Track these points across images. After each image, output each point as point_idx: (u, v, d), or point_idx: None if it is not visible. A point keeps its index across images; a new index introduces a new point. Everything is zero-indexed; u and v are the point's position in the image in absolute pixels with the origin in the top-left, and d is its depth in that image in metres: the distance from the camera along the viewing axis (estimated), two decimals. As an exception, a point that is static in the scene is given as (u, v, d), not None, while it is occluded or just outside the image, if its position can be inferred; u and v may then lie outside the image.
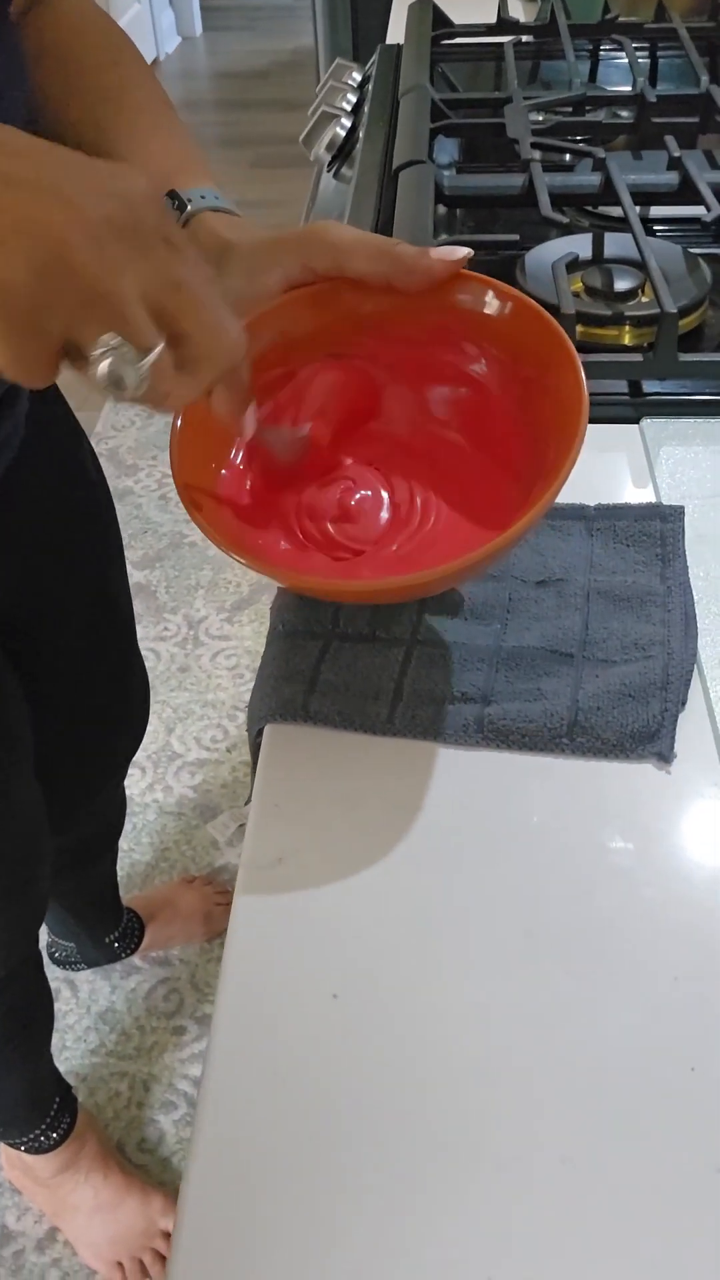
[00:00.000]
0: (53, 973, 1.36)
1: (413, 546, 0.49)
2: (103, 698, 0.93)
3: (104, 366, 0.36)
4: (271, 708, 0.47)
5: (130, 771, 1.58)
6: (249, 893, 0.41)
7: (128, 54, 0.60)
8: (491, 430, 0.50)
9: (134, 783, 1.58)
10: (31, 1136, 1.11)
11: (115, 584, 0.89)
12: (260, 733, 0.48)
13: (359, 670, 0.49)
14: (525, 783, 0.45)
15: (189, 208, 0.52)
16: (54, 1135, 1.12)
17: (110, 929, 1.32)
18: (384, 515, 0.50)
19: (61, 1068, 1.24)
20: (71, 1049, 1.31)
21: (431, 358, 0.51)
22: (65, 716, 0.88)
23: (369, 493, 0.51)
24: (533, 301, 0.48)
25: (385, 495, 0.51)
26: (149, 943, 1.37)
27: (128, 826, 1.50)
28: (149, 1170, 1.21)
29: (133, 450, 2.23)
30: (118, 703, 0.96)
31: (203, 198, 0.53)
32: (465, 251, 0.48)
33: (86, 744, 0.95)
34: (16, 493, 0.72)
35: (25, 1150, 1.13)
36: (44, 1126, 1.11)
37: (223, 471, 0.49)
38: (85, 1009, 1.35)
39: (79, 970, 1.37)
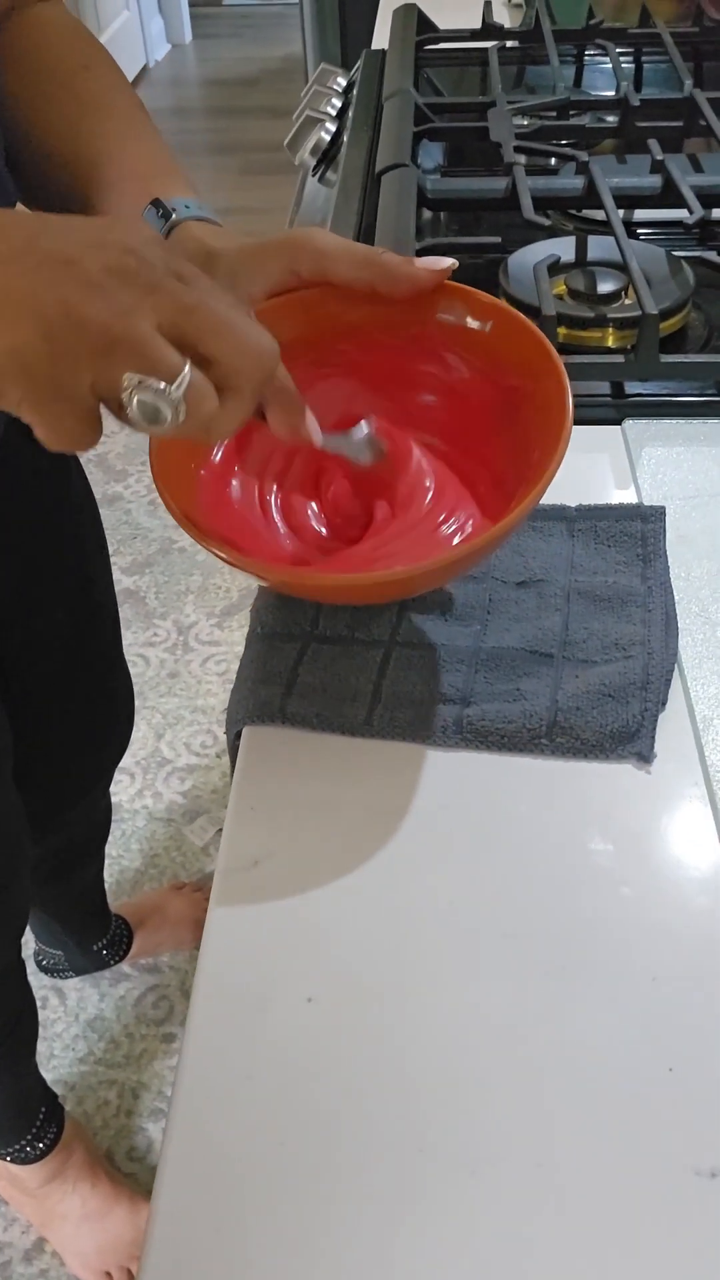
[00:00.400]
0: (40, 981, 1.35)
1: (394, 547, 0.49)
2: (86, 702, 0.93)
3: (135, 404, 0.35)
4: (249, 710, 0.47)
5: (119, 777, 1.58)
6: (225, 895, 0.41)
7: (102, 61, 0.60)
8: (473, 436, 0.50)
9: (123, 789, 1.57)
10: (17, 1147, 1.10)
11: (99, 587, 0.89)
12: (238, 735, 0.48)
13: (337, 672, 0.49)
14: (505, 783, 0.44)
15: (173, 217, 0.52)
16: (40, 1145, 1.12)
17: (98, 936, 1.31)
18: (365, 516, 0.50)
19: (50, 1076, 1.23)
20: (60, 1057, 1.30)
21: (413, 366, 0.51)
22: (47, 721, 0.88)
23: (350, 493, 0.51)
24: (516, 312, 0.48)
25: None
26: (138, 949, 1.36)
27: (116, 833, 1.49)
28: (138, 1179, 1.20)
29: (121, 456, 2.23)
30: (102, 708, 0.96)
31: (186, 207, 0.52)
32: (449, 262, 0.48)
33: (69, 749, 0.95)
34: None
35: (11, 1160, 1.12)
36: (30, 1137, 1.11)
37: (201, 471, 0.49)
38: (74, 1017, 1.34)
39: (67, 978, 1.36)
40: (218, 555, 0.41)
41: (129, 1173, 1.20)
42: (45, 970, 1.34)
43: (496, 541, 0.40)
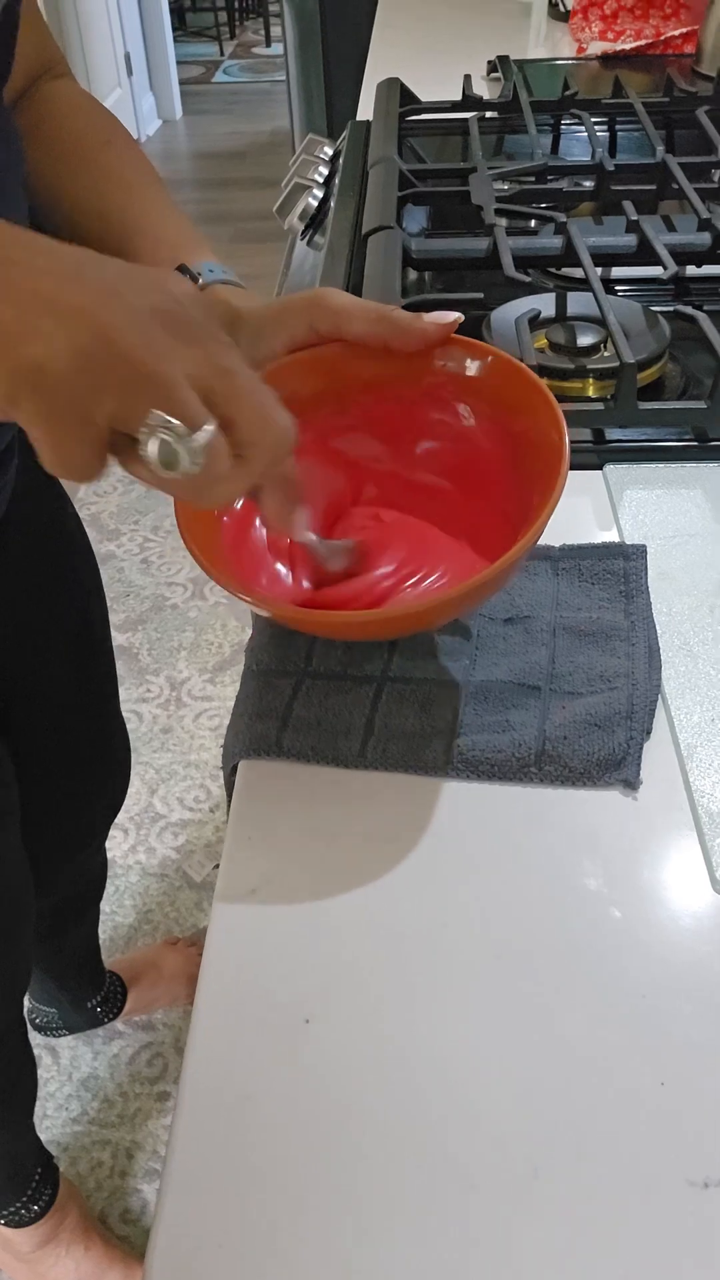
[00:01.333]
0: (34, 1039, 1.33)
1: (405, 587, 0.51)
2: (84, 754, 0.93)
3: (154, 445, 0.35)
4: (245, 743, 0.48)
5: (112, 833, 1.57)
6: (223, 921, 0.42)
7: (120, 134, 0.63)
8: (483, 480, 0.53)
9: (116, 844, 1.57)
10: (12, 1210, 1.08)
11: (97, 627, 0.90)
12: (235, 769, 0.49)
13: (331, 707, 0.50)
14: (495, 811, 0.45)
15: (200, 281, 0.54)
16: (35, 1208, 1.10)
17: (92, 993, 1.30)
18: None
19: (43, 1137, 1.22)
20: (53, 1117, 1.28)
21: (425, 415, 0.53)
22: (46, 773, 0.88)
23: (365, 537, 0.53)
24: (510, 357, 0.50)
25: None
26: (132, 1007, 1.35)
27: (110, 889, 1.49)
28: (132, 1242, 1.18)
29: (114, 515, 2.25)
30: (99, 759, 0.97)
31: (211, 271, 0.55)
32: (455, 316, 0.50)
33: (67, 801, 0.95)
34: (2, 550, 0.73)
35: (6, 1224, 1.10)
36: (25, 1199, 1.09)
37: (225, 519, 0.50)
38: (67, 1076, 1.32)
39: (60, 1036, 1.35)
40: (244, 599, 0.43)
41: (123, 1235, 1.18)
42: (38, 1029, 1.33)
43: (498, 576, 0.42)
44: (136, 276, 0.36)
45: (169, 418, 0.35)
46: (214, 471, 0.37)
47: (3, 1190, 1.08)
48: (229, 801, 0.48)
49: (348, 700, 0.50)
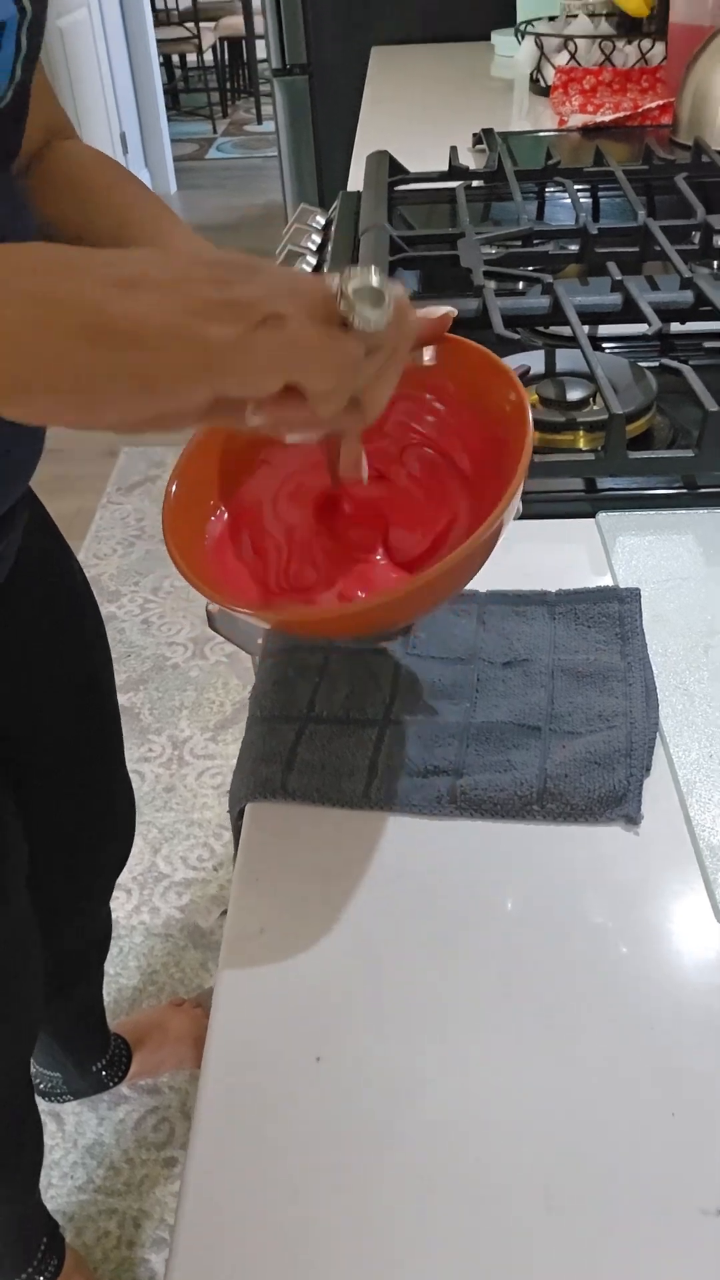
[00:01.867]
0: (38, 1105, 1.32)
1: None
2: (90, 807, 0.94)
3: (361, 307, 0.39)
4: (251, 787, 0.49)
5: (116, 893, 1.57)
6: (233, 962, 0.42)
7: (131, 176, 0.67)
8: (460, 465, 0.54)
9: (119, 905, 1.56)
10: (17, 1281, 1.06)
11: (103, 693, 0.91)
12: (241, 813, 0.49)
13: (334, 750, 0.51)
14: (498, 849, 0.46)
15: None
16: (41, 1279, 1.08)
17: (97, 1056, 1.29)
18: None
19: (49, 1206, 1.19)
20: (58, 1186, 1.26)
21: (395, 409, 0.54)
22: (52, 826, 0.89)
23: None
24: (461, 339, 0.52)
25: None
26: (137, 1070, 1.33)
27: (114, 950, 1.48)
28: (140, 1315, 1.15)
29: (115, 577, 2.28)
30: (105, 813, 0.97)
31: None
32: (446, 308, 0.51)
33: (73, 855, 0.95)
34: (9, 605, 0.75)
35: (10, 1296, 1.08)
36: (31, 1270, 1.07)
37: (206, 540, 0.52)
38: (72, 1143, 1.30)
39: (65, 1102, 1.33)
40: (244, 613, 0.44)
41: (131, 1308, 1.15)
42: (43, 1094, 1.31)
43: (475, 548, 0.43)
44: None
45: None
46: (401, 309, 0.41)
47: (8, 1260, 1.06)
48: (236, 846, 0.49)
49: (351, 743, 0.51)
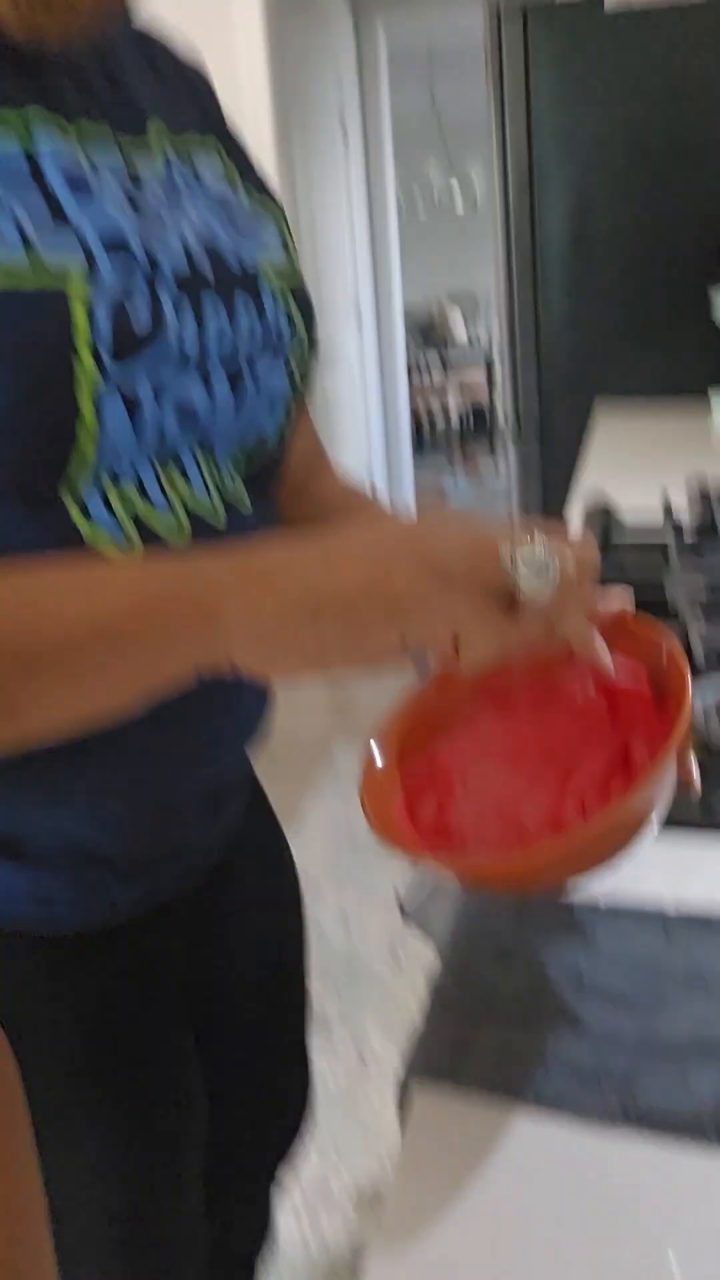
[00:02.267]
0: None
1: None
2: (270, 1087, 0.93)
3: (525, 572, 0.45)
4: (420, 1069, 0.51)
5: (284, 1203, 1.49)
6: (383, 1255, 0.42)
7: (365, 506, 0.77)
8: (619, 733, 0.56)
9: (285, 1219, 1.48)
10: None
11: (294, 970, 0.93)
12: (406, 1092, 0.51)
13: (508, 1039, 0.52)
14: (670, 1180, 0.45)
15: None
16: None
17: None
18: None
19: None
20: None
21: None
22: (231, 1099, 0.88)
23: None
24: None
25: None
26: None
27: (273, 1266, 1.39)
28: None
29: (317, 868, 2.32)
30: (284, 1092, 0.95)
31: None
32: (622, 597, 0.56)
33: (246, 1131, 0.93)
34: (230, 877, 0.80)
35: None
36: None
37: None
38: None
39: None
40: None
41: None
42: None
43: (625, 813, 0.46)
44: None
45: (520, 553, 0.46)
46: (567, 581, 0.47)
47: None
48: (402, 1129, 0.50)
49: (526, 1037, 0.52)
